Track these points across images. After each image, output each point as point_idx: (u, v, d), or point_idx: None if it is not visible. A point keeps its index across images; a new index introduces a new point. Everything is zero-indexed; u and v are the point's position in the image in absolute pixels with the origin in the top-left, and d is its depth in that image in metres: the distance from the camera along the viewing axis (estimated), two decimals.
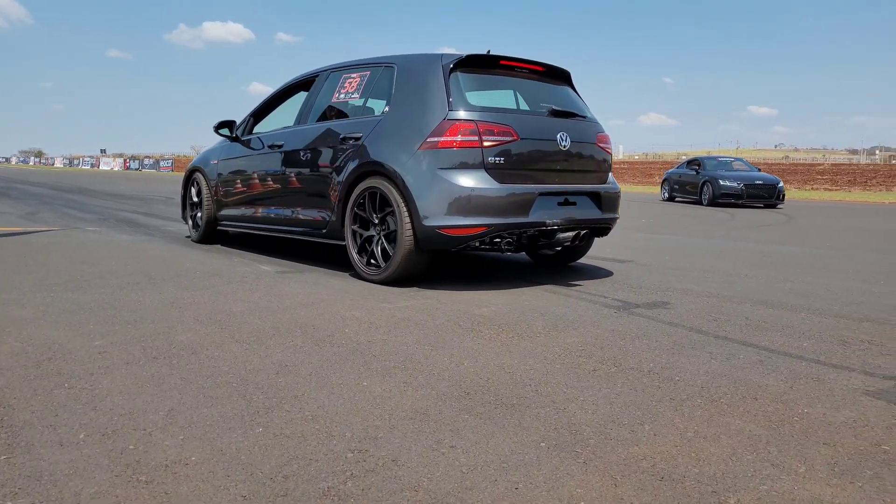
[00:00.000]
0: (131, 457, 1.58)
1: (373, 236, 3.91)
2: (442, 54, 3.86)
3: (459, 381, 2.16)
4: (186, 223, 5.88)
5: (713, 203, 15.40)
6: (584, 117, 4.26)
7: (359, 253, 3.98)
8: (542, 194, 3.75)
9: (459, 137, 3.58)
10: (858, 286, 4.23)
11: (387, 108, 3.99)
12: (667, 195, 18.02)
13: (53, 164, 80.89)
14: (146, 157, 64.07)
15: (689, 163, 17.59)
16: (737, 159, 17.93)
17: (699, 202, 15.94)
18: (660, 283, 4.17)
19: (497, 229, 3.61)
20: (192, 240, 5.72)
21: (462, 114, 3.64)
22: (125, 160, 62.87)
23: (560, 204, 3.88)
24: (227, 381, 2.13)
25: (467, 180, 3.56)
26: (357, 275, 4.06)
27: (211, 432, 1.73)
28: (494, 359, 2.42)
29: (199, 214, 5.62)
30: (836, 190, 27.52)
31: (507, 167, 3.67)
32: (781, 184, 15.78)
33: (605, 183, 4.28)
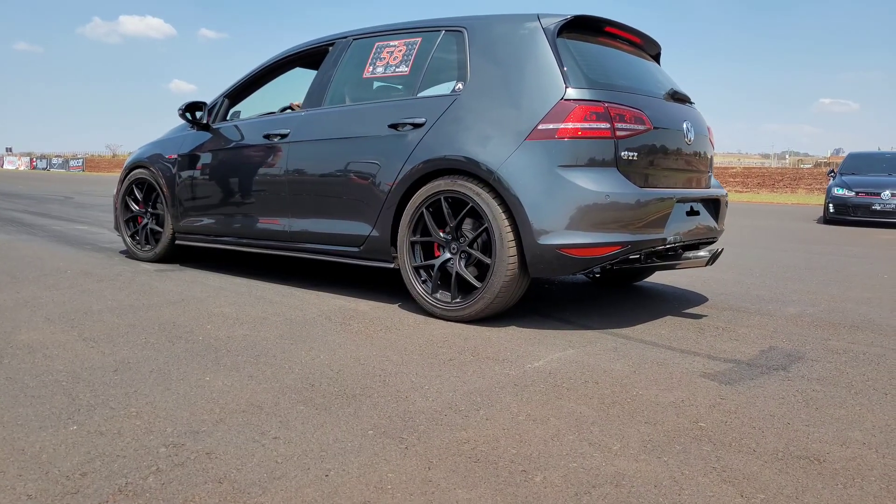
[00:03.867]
0: None
1: (449, 259, 2.97)
2: (538, 14, 2.99)
3: (308, 374, 2.13)
4: (123, 237, 4.53)
5: None
6: (693, 103, 3.52)
7: (424, 282, 3.05)
8: (678, 201, 3.04)
9: (585, 124, 2.74)
10: (734, 278, 4.46)
11: (460, 86, 3.05)
12: None
13: None
14: (56, 156, 60.57)
15: None
16: None
17: None
18: (545, 277, 4.27)
19: (633, 249, 2.81)
20: (141, 258, 4.41)
21: (584, 92, 2.78)
22: (32, 159, 59.17)
23: (688, 214, 3.14)
24: (56, 379, 2.01)
25: (600, 182, 2.73)
26: (418, 306, 3.08)
27: (18, 431, 1.63)
28: (353, 351, 2.40)
29: (149, 225, 4.38)
30: (745, 192, 29.10)
31: (640, 165, 2.89)
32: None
33: (712, 186, 3.57)
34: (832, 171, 13.31)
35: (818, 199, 19.00)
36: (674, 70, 3.82)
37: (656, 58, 3.70)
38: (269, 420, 1.75)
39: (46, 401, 1.84)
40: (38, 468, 1.45)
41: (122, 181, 4.52)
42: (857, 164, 12.44)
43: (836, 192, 11.23)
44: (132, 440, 1.60)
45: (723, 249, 3.30)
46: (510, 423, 1.78)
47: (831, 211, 11.20)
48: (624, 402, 1.96)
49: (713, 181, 3.63)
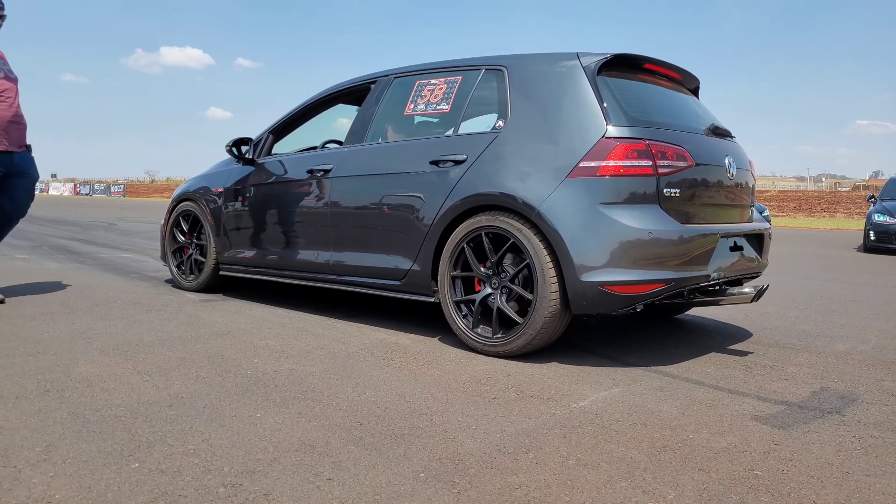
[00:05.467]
0: None
1: (490, 294, 3.00)
2: (577, 53, 3.05)
3: (356, 412, 2.15)
4: (170, 266, 4.66)
5: None
6: (734, 137, 3.54)
7: (465, 316, 3.07)
8: (722, 236, 3.03)
9: (627, 162, 2.76)
10: (777, 311, 4.38)
11: (500, 123, 3.10)
12: None
13: None
14: (98, 181, 62.60)
15: None
16: None
17: None
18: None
19: (677, 286, 2.81)
20: (185, 288, 4.55)
21: (625, 130, 2.81)
22: (76, 185, 61.25)
23: (731, 249, 3.12)
24: (115, 414, 2.07)
25: (642, 220, 2.74)
26: (458, 341, 3.09)
27: (84, 468, 1.69)
28: (398, 388, 2.42)
29: (194, 256, 4.51)
30: (781, 216, 28.54)
31: (682, 202, 2.89)
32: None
33: (755, 219, 3.56)
34: (872, 196, 12.80)
35: (858, 224, 18.54)
36: (705, 93, 3.83)
37: (695, 92, 3.71)
38: (321, 460, 1.77)
39: (108, 436, 1.89)
40: None
41: (169, 212, 4.66)
42: None
43: (876, 218, 10.85)
44: (192, 479, 1.64)
45: (768, 286, 3.25)
46: (560, 467, 1.77)
47: (872, 238, 10.81)
48: (675, 447, 1.94)
49: (756, 212, 3.60)
